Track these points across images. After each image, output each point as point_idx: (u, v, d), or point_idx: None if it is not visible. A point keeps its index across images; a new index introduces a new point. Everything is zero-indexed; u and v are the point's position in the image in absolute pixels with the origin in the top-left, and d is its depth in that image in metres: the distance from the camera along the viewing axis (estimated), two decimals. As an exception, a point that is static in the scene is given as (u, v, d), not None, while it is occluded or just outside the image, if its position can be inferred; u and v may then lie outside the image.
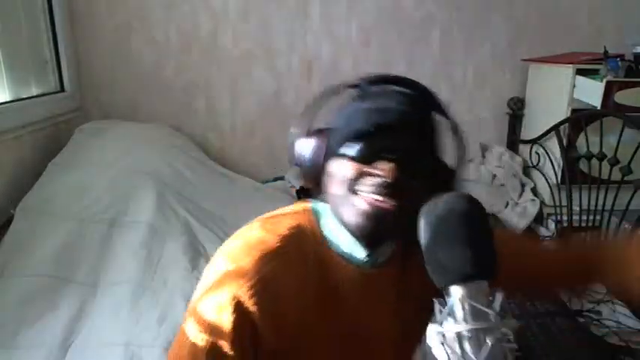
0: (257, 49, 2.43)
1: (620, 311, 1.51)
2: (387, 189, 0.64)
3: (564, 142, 2.09)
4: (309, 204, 0.77)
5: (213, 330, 0.64)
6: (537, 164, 2.27)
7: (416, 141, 0.67)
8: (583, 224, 1.98)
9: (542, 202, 2.22)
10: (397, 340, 0.74)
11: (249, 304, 0.64)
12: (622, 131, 1.79)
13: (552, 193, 2.13)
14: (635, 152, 1.69)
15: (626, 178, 1.74)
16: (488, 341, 0.51)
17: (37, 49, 2.13)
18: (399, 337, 0.74)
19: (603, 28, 2.45)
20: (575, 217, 2.01)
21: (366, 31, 2.44)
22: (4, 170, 1.78)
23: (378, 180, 0.64)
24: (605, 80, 1.90)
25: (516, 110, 2.49)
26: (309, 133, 0.73)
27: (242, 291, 0.64)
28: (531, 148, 2.31)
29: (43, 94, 2.13)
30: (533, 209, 2.19)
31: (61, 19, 2.20)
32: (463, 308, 0.52)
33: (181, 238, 1.71)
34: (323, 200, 0.74)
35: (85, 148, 1.98)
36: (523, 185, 2.32)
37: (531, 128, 2.39)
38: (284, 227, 0.71)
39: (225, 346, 0.63)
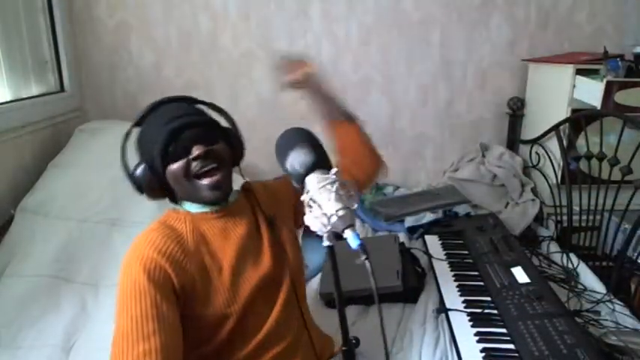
0: (257, 49, 2.43)
1: (619, 311, 1.51)
2: (206, 161, 0.92)
3: (564, 142, 2.09)
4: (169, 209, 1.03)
5: (137, 292, 0.84)
6: (537, 164, 2.27)
7: (204, 123, 0.95)
8: (583, 224, 1.98)
9: (542, 202, 2.22)
10: (255, 253, 1.00)
11: (158, 261, 0.87)
12: (622, 131, 1.79)
13: (552, 193, 2.13)
14: (635, 152, 1.69)
15: (626, 178, 1.74)
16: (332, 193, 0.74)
17: (37, 49, 2.13)
18: (256, 251, 1.01)
19: (603, 28, 2.45)
20: (575, 217, 2.02)
21: (366, 31, 2.44)
22: (4, 170, 1.79)
23: (199, 159, 0.91)
24: (605, 80, 1.90)
25: (516, 110, 2.49)
26: (138, 165, 0.96)
27: (146, 255, 0.87)
28: (531, 148, 2.31)
29: (43, 94, 2.14)
30: (533, 209, 2.18)
31: (61, 19, 2.21)
32: (317, 184, 0.76)
33: (181, 238, 1.71)
34: (177, 198, 1.00)
35: (85, 148, 1.98)
36: (523, 185, 2.32)
37: (531, 128, 2.39)
38: (156, 222, 0.99)
39: (154, 296, 0.84)
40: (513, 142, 2.53)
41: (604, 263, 1.86)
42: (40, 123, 1.99)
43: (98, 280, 1.59)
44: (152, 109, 0.98)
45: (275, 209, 1.09)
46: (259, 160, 2.57)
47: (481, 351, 1.24)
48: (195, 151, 0.91)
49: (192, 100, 1.03)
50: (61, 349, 1.37)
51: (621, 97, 1.92)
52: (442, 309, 1.45)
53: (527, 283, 1.51)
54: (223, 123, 1.06)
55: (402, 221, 2.12)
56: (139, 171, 0.95)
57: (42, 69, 2.17)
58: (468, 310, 1.42)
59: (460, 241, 1.89)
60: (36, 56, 2.11)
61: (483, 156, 2.48)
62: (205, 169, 0.92)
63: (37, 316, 1.45)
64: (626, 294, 1.71)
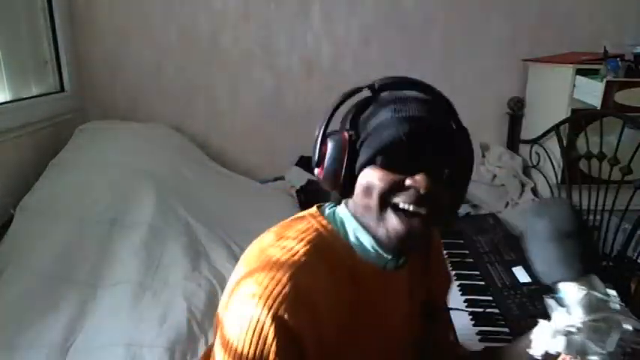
0: (257, 49, 2.43)
1: (620, 311, 1.51)
2: (422, 201, 0.64)
3: (564, 142, 2.09)
4: (318, 211, 0.75)
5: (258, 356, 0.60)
6: (537, 164, 2.27)
7: (445, 151, 0.68)
8: (583, 224, 1.98)
9: (542, 202, 2.22)
10: (409, 338, 0.77)
11: (290, 321, 0.60)
12: (622, 131, 1.79)
13: (552, 193, 2.13)
14: (635, 152, 1.69)
15: (626, 178, 1.74)
16: (613, 334, 0.56)
17: (37, 49, 2.13)
18: (410, 335, 0.77)
19: (603, 28, 2.45)
20: (575, 217, 2.01)
21: (366, 31, 2.44)
22: (4, 170, 1.78)
23: (413, 192, 0.64)
24: (605, 80, 1.90)
25: (516, 110, 2.49)
26: (335, 136, 0.70)
27: (280, 310, 0.60)
28: (531, 148, 2.31)
29: (43, 94, 2.13)
30: (533, 209, 2.19)
31: (61, 19, 2.20)
32: (581, 301, 0.56)
33: (181, 238, 1.71)
34: (340, 204, 0.74)
35: (85, 148, 1.98)
36: (523, 185, 2.32)
37: (531, 128, 2.39)
38: (304, 240, 0.68)
39: None
40: (513, 142, 2.53)
41: (604, 263, 1.86)
42: (40, 123, 1.99)
43: (97, 280, 1.59)
44: (396, 85, 0.76)
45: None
46: (260, 160, 2.58)
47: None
48: (422, 181, 0.63)
49: (434, 93, 0.77)
50: (60, 349, 1.37)
51: (621, 97, 1.92)
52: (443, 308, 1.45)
53: (528, 283, 1.51)
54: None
55: (403, 221, 2.12)
56: (332, 142, 0.69)
57: (42, 69, 2.16)
58: (470, 310, 1.42)
59: (460, 241, 1.89)
60: (36, 56, 2.11)
61: (483, 156, 2.48)
62: (412, 209, 0.65)
63: (36, 316, 1.45)
64: (626, 294, 1.71)
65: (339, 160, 0.68)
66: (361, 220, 0.70)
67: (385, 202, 0.66)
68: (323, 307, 0.64)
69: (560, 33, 2.46)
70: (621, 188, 1.75)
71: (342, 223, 0.72)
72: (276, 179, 2.46)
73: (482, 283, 1.57)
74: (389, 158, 0.65)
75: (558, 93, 2.13)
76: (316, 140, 0.71)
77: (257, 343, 0.60)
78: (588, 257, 0.60)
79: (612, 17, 2.44)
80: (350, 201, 0.72)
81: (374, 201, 0.66)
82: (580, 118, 2.00)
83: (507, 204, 2.28)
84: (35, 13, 2.11)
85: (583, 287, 0.57)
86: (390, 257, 0.71)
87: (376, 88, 0.74)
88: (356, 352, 0.69)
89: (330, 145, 0.69)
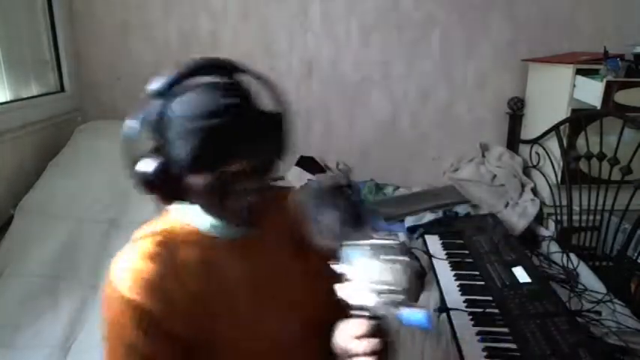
0: (257, 49, 2.43)
1: (619, 311, 1.51)
2: (251, 180, 0.69)
3: (564, 142, 2.09)
4: (169, 212, 0.81)
5: (120, 336, 0.71)
6: (537, 164, 2.27)
7: (256, 129, 0.69)
8: (583, 224, 1.98)
9: (542, 202, 2.22)
10: (259, 290, 0.79)
11: (138, 300, 0.70)
12: (622, 131, 1.79)
13: (552, 193, 2.13)
14: (635, 152, 1.70)
15: (626, 178, 1.74)
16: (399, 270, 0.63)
17: (37, 49, 2.13)
18: (262, 287, 0.80)
19: (603, 28, 2.45)
20: (575, 217, 2.02)
21: (366, 31, 2.44)
22: (4, 170, 1.79)
23: (240, 178, 0.69)
24: (605, 80, 1.90)
25: (516, 110, 2.49)
26: (150, 153, 0.72)
27: (133, 294, 0.70)
28: (531, 148, 2.31)
29: (43, 94, 2.13)
30: (533, 209, 2.19)
31: (61, 19, 2.21)
32: (362, 255, 0.64)
33: (181, 238, 1.70)
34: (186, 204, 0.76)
35: (85, 148, 1.98)
36: (523, 185, 2.32)
37: (531, 128, 2.39)
38: (153, 231, 0.78)
39: (139, 343, 0.69)
40: (513, 142, 2.53)
41: (604, 263, 1.86)
42: (40, 123, 1.99)
43: (97, 280, 1.59)
44: (185, 77, 0.71)
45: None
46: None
47: (483, 350, 1.24)
48: (237, 167, 0.67)
49: (238, 69, 0.75)
50: (60, 348, 1.37)
51: (621, 97, 1.92)
52: (443, 308, 1.45)
53: (528, 283, 1.51)
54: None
55: (402, 221, 2.12)
56: (149, 165, 0.70)
57: (42, 69, 2.16)
58: (470, 310, 1.42)
59: (460, 241, 1.89)
60: (36, 56, 2.11)
61: (483, 156, 2.48)
62: (249, 189, 0.70)
63: (36, 316, 1.45)
64: (627, 294, 1.71)
65: (164, 193, 0.73)
66: (206, 212, 0.75)
67: (222, 195, 0.70)
68: (173, 289, 0.72)
69: (560, 33, 2.46)
70: (621, 188, 1.75)
71: (187, 212, 0.78)
72: (276, 179, 2.45)
73: (482, 283, 1.57)
74: (208, 160, 0.67)
75: (558, 93, 2.13)
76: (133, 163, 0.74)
77: (120, 326, 0.70)
78: (353, 217, 0.68)
79: (612, 17, 2.44)
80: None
81: (211, 199, 0.71)
82: (580, 118, 2.00)
83: (507, 204, 2.28)
84: (35, 13, 2.12)
85: (360, 242, 0.65)
86: (238, 230, 0.77)
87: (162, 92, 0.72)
88: (223, 316, 0.75)
89: (152, 165, 0.71)
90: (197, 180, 0.69)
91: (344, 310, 0.67)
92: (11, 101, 1.89)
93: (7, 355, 1.34)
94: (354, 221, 0.68)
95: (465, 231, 1.95)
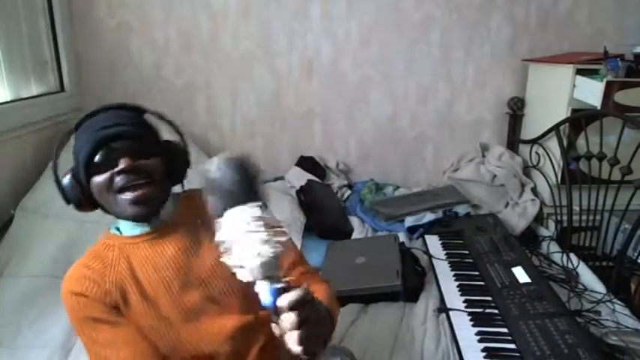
0: (257, 49, 2.43)
1: (619, 311, 1.51)
2: (132, 174, 0.84)
3: (564, 142, 2.09)
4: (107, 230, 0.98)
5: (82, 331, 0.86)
6: (537, 164, 2.27)
7: (136, 135, 0.87)
8: (583, 224, 1.98)
9: (542, 202, 2.22)
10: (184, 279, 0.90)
11: (77, 290, 0.86)
12: (622, 131, 1.79)
13: (552, 193, 2.13)
14: (635, 152, 1.70)
15: (626, 178, 1.74)
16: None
17: (37, 49, 2.13)
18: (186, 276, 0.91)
19: (603, 28, 2.45)
20: (575, 217, 2.02)
21: (366, 31, 2.44)
22: (4, 170, 1.79)
23: (123, 173, 0.84)
24: (605, 80, 1.90)
25: (516, 110, 2.49)
26: (66, 173, 0.90)
27: (71, 287, 0.87)
28: (531, 148, 2.31)
29: (43, 94, 2.13)
30: (533, 209, 2.19)
31: (61, 19, 2.21)
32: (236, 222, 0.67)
33: (181, 238, 1.70)
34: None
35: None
36: (523, 185, 2.32)
37: (531, 128, 2.39)
38: (89, 249, 0.95)
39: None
40: (513, 142, 2.53)
41: (604, 263, 1.86)
42: (40, 123, 1.99)
43: (98, 280, 1.59)
44: (90, 116, 0.90)
45: None
46: (259, 160, 2.57)
47: (482, 350, 1.25)
48: (121, 164, 0.83)
49: (135, 109, 0.95)
50: (61, 349, 1.37)
51: (621, 97, 1.92)
52: (443, 308, 1.45)
53: (527, 283, 1.51)
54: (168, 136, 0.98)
55: (402, 221, 2.12)
56: (65, 180, 0.89)
57: (42, 69, 2.16)
58: (469, 310, 1.42)
59: (460, 241, 1.89)
60: (36, 56, 2.11)
61: (483, 156, 2.48)
62: (128, 184, 0.84)
63: (37, 316, 1.45)
64: (626, 294, 1.71)
65: (75, 199, 0.90)
66: (114, 213, 0.91)
67: (112, 192, 0.85)
68: (100, 298, 0.86)
69: (560, 33, 2.46)
70: (621, 188, 1.75)
71: (113, 226, 0.97)
72: (276, 179, 2.46)
73: (482, 283, 1.57)
74: (97, 164, 0.85)
75: (558, 93, 2.13)
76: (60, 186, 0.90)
77: (70, 310, 0.86)
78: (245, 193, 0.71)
79: (612, 17, 2.45)
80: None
81: (105, 197, 0.86)
82: (580, 118, 2.00)
83: (507, 204, 2.28)
84: (35, 13, 2.11)
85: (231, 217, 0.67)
86: (142, 225, 0.92)
87: (81, 122, 0.91)
88: (161, 304, 0.87)
89: (68, 183, 0.89)
90: (97, 181, 0.85)
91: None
92: (11, 101, 1.89)
93: (8, 355, 1.34)
94: (246, 197, 0.71)
95: (464, 231, 1.96)
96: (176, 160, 0.95)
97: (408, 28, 2.44)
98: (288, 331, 0.65)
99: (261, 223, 0.65)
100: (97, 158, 0.84)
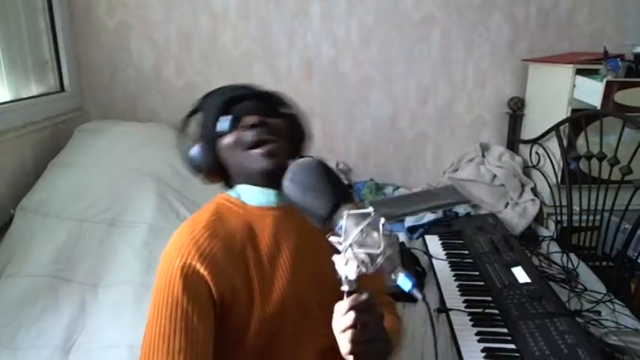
0: (257, 49, 2.43)
1: (619, 311, 1.51)
2: (261, 128, 0.84)
3: (564, 142, 2.09)
4: (222, 192, 0.94)
5: (170, 300, 0.79)
6: (537, 164, 2.27)
7: (262, 95, 0.91)
8: (583, 224, 1.98)
9: (542, 202, 2.22)
10: (294, 270, 0.87)
11: (197, 267, 0.79)
12: (622, 131, 1.79)
13: (552, 193, 2.13)
14: (635, 152, 1.69)
15: (626, 178, 1.74)
16: (374, 232, 0.66)
17: (37, 49, 2.13)
18: (297, 267, 0.88)
19: (603, 28, 2.45)
20: (575, 217, 2.02)
21: (366, 31, 2.44)
22: (4, 170, 1.79)
23: (252, 128, 0.84)
24: (605, 80, 1.90)
25: (516, 110, 2.49)
26: (194, 144, 0.91)
27: (186, 258, 0.80)
28: (531, 148, 2.31)
29: (43, 94, 2.14)
30: (533, 209, 2.19)
31: (61, 19, 2.21)
32: (348, 221, 0.68)
33: (181, 238, 1.70)
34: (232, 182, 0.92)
35: (85, 148, 1.98)
36: (523, 185, 2.32)
37: (531, 128, 2.39)
38: (206, 210, 0.90)
39: (186, 307, 0.78)
40: (513, 142, 2.53)
41: (604, 263, 1.86)
42: (40, 123, 1.99)
43: (97, 280, 1.59)
44: (212, 92, 0.93)
45: None
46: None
47: (482, 350, 1.24)
48: (249, 120, 0.84)
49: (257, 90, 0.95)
50: (61, 349, 1.37)
51: (621, 97, 1.92)
52: (443, 309, 1.45)
53: (527, 283, 1.51)
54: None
55: (402, 221, 2.12)
56: (194, 150, 0.90)
57: (42, 69, 2.17)
58: (469, 310, 1.42)
59: (460, 241, 1.89)
60: (36, 56, 2.11)
61: (483, 156, 2.48)
62: (258, 138, 0.83)
63: (37, 316, 1.45)
64: (626, 294, 1.71)
65: (207, 166, 0.90)
66: (243, 178, 0.88)
67: (242, 148, 0.84)
68: (221, 253, 0.82)
69: (560, 33, 2.46)
70: (621, 188, 1.75)
71: (237, 190, 0.91)
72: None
73: (482, 283, 1.57)
74: (225, 121, 0.85)
75: (558, 93, 2.13)
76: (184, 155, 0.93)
77: (168, 287, 0.79)
78: (336, 192, 0.72)
79: (612, 17, 2.45)
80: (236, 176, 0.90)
81: (236, 154, 0.85)
82: (580, 118, 2.00)
83: (507, 204, 2.28)
84: (35, 13, 2.12)
85: (345, 214, 0.68)
86: (271, 191, 0.87)
87: (204, 97, 0.93)
88: (266, 283, 0.84)
89: (196, 150, 0.91)
90: (227, 141, 0.85)
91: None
92: (11, 101, 1.89)
93: (7, 355, 1.34)
94: (337, 193, 0.72)
95: (465, 231, 1.96)
96: (298, 128, 0.96)
97: (408, 28, 2.44)
98: (345, 329, 0.68)
99: (380, 229, 0.66)
100: (225, 119, 0.85)
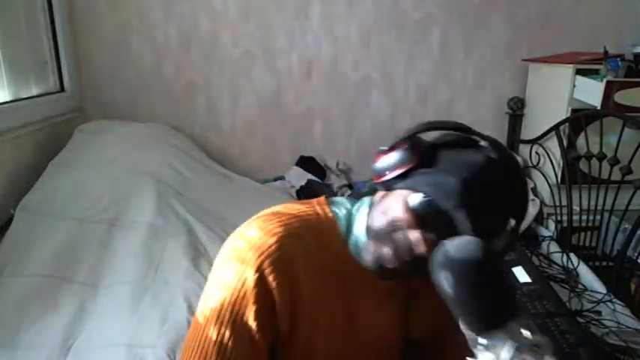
0: (257, 49, 2.43)
1: (619, 311, 1.51)
2: (427, 247, 0.65)
3: (564, 142, 2.09)
4: (325, 200, 0.81)
5: (236, 301, 0.68)
6: (537, 164, 2.27)
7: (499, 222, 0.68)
8: (583, 224, 1.98)
9: (542, 202, 2.22)
10: (381, 332, 0.79)
11: (271, 279, 0.68)
12: (622, 131, 1.79)
13: (552, 193, 2.13)
14: (635, 152, 1.70)
15: (626, 178, 1.74)
16: None
17: (37, 49, 2.13)
18: (383, 329, 0.80)
19: (603, 28, 2.45)
20: (575, 217, 2.02)
21: (366, 31, 2.44)
22: (4, 170, 1.78)
23: (420, 244, 0.65)
24: (605, 80, 1.90)
25: (516, 110, 2.49)
26: (408, 155, 0.70)
27: (264, 265, 0.68)
28: (531, 148, 2.31)
29: (43, 94, 2.13)
30: (533, 209, 2.19)
31: (61, 19, 2.20)
32: (510, 348, 0.56)
33: (182, 238, 1.70)
34: (357, 204, 0.79)
35: (85, 148, 1.98)
36: (523, 185, 2.32)
37: (531, 128, 2.39)
38: (301, 216, 0.75)
39: (248, 318, 0.67)
40: (513, 142, 2.53)
41: (604, 263, 1.86)
42: (40, 123, 1.99)
43: (97, 280, 1.59)
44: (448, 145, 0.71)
45: None
46: (260, 160, 2.58)
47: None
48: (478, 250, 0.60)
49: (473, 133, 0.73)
50: (60, 349, 1.37)
51: (621, 97, 1.92)
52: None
53: (528, 283, 1.51)
54: None
55: (403, 221, 2.12)
56: (419, 198, 0.67)
57: (42, 69, 2.16)
58: (469, 310, 1.42)
59: (460, 241, 1.89)
60: (36, 56, 2.11)
61: (483, 156, 2.48)
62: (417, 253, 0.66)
63: (36, 316, 1.45)
64: (626, 294, 1.71)
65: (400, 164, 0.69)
66: (370, 227, 0.72)
67: (393, 230, 0.67)
68: (303, 275, 0.70)
69: (560, 33, 2.46)
70: (621, 188, 1.75)
71: (349, 219, 0.77)
72: (276, 179, 2.46)
73: (482, 283, 1.57)
74: (435, 218, 0.65)
75: (558, 93, 2.13)
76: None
77: (239, 288, 0.68)
78: (502, 307, 0.60)
79: (612, 17, 2.45)
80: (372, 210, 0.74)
81: (385, 223, 0.68)
82: (580, 118, 2.00)
83: (507, 204, 2.28)
84: (35, 13, 2.11)
85: (504, 336, 0.57)
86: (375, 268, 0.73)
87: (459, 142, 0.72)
88: (323, 327, 0.74)
89: (394, 159, 0.70)
90: (402, 203, 0.67)
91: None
92: (11, 101, 1.89)
93: (7, 356, 1.34)
94: (504, 312, 0.59)
95: (465, 231, 1.95)
96: None
97: (408, 28, 2.44)
98: None
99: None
100: (460, 217, 0.63)
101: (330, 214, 0.78)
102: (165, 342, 1.33)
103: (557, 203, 2.08)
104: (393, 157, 0.70)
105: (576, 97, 2.06)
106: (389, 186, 0.71)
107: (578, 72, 2.04)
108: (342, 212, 0.79)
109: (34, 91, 2.07)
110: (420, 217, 0.65)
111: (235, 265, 0.69)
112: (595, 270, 1.77)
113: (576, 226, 2.02)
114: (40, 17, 2.14)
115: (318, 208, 0.78)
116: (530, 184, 2.31)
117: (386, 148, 0.72)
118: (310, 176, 2.34)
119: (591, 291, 1.63)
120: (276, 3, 2.38)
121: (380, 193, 0.74)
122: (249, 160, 2.56)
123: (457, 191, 0.63)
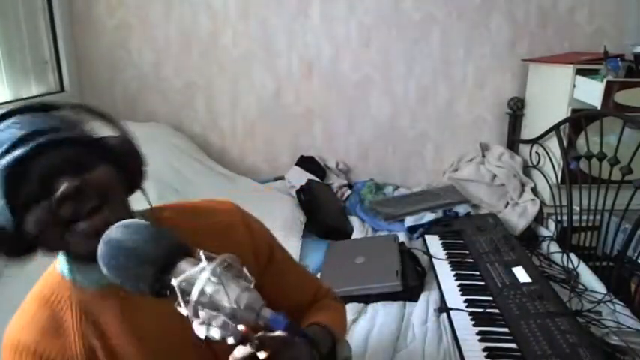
0: (257, 49, 2.43)
1: (619, 311, 1.51)
2: (80, 197, 0.60)
3: (564, 142, 2.09)
4: (56, 264, 0.73)
5: None
6: (537, 164, 2.27)
7: (65, 141, 0.62)
8: (583, 224, 1.98)
9: (542, 202, 2.22)
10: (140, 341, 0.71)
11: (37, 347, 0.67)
12: (622, 131, 1.79)
13: (552, 193, 2.13)
14: (635, 152, 1.69)
15: (626, 178, 1.74)
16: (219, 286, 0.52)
17: (37, 49, 2.13)
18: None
19: (603, 28, 2.46)
20: (575, 217, 2.02)
21: (366, 31, 2.44)
22: (4, 170, 1.78)
23: (67, 199, 0.59)
24: (605, 80, 1.90)
25: (516, 110, 2.49)
26: None
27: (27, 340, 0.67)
28: (531, 148, 2.31)
29: (43, 94, 2.13)
30: (533, 209, 2.19)
31: (61, 19, 2.21)
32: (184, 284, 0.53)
33: (181, 238, 1.70)
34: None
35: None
36: (523, 185, 2.32)
37: (531, 128, 2.39)
38: (32, 296, 0.72)
39: None
40: (513, 142, 2.53)
41: (604, 263, 1.86)
42: (39, 123, 1.99)
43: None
44: None
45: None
46: (259, 160, 2.58)
47: (483, 350, 1.24)
48: (61, 187, 0.58)
49: (46, 107, 0.68)
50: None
51: (621, 97, 1.92)
52: (444, 308, 1.45)
53: (528, 283, 1.51)
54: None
55: (402, 221, 2.12)
56: None
57: (42, 69, 2.16)
58: (470, 310, 1.42)
59: (460, 241, 1.89)
60: (36, 56, 2.11)
61: (483, 156, 2.48)
62: (79, 213, 0.60)
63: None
64: (626, 294, 1.71)
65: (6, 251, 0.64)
66: (65, 254, 0.69)
67: (60, 229, 0.61)
68: (52, 346, 0.67)
69: (560, 33, 2.46)
70: (621, 188, 1.75)
71: (61, 262, 0.71)
72: (276, 179, 2.46)
73: (482, 283, 1.57)
74: (22, 197, 0.59)
75: (558, 93, 2.13)
76: None
77: None
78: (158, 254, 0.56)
79: (612, 17, 2.45)
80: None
81: (55, 235, 0.61)
82: (580, 118, 2.00)
83: (507, 204, 2.28)
84: (35, 13, 2.11)
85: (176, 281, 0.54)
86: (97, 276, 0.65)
87: None
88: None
89: None
90: (33, 221, 0.59)
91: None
92: (11, 101, 1.89)
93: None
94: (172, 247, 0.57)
95: (465, 231, 1.95)
96: (127, 161, 0.72)
97: (408, 28, 2.44)
98: None
99: (221, 267, 0.54)
100: (22, 189, 0.58)
101: (55, 271, 0.71)
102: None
103: (557, 203, 2.08)
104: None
105: (576, 97, 2.06)
106: None
107: (578, 72, 2.04)
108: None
109: (34, 91, 2.07)
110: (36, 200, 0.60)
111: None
112: (595, 270, 1.77)
113: (576, 226, 2.02)
114: (40, 17, 2.14)
115: (46, 274, 0.73)
116: (530, 184, 2.31)
117: None
118: (310, 176, 2.34)
119: (591, 291, 1.63)
120: (276, 3, 2.38)
121: None
122: (249, 160, 2.57)
123: None
